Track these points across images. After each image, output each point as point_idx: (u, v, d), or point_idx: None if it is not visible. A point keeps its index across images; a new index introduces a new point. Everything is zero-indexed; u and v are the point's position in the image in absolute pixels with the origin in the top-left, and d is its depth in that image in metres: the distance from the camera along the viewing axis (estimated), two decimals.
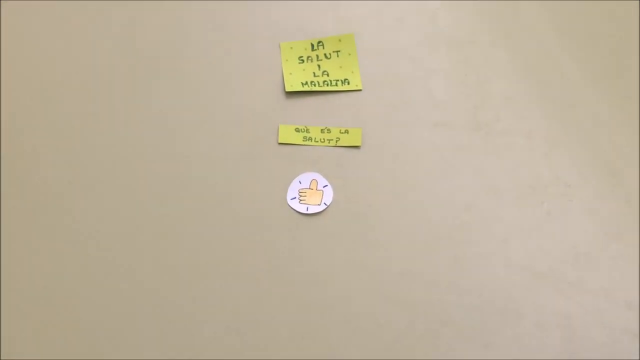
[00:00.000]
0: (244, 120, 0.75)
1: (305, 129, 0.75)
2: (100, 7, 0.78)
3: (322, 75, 0.77)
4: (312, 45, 0.78)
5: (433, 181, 0.74)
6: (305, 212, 0.72)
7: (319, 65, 0.77)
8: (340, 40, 0.78)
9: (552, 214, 0.73)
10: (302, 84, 0.76)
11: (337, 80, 0.76)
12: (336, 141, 0.74)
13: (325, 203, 0.72)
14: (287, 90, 0.76)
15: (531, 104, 0.77)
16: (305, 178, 0.73)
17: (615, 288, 0.70)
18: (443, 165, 0.74)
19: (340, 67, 0.77)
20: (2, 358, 0.67)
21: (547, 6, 0.81)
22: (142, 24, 0.78)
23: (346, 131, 0.75)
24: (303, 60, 0.77)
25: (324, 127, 0.75)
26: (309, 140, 0.74)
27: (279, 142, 0.74)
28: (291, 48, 0.78)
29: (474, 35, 0.79)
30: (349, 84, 0.76)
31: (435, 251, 0.71)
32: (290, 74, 0.76)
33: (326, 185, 0.73)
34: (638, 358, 0.68)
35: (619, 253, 0.71)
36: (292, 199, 0.72)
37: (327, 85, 0.76)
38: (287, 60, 0.77)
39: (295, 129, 0.75)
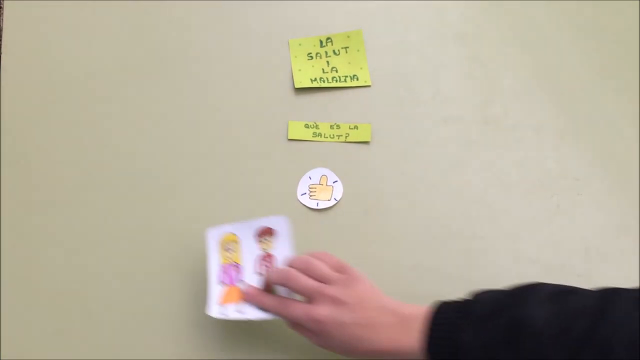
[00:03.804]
0: (253, 117, 0.75)
1: (315, 125, 0.75)
2: (113, 5, 0.79)
3: (331, 72, 0.77)
4: (321, 42, 0.78)
5: (442, 176, 0.74)
6: (315, 207, 0.72)
7: (327, 62, 0.77)
8: (348, 37, 0.78)
9: (561, 208, 0.73)
10: (311, 80, 0.76)
11: (346, 76, 0.77)
12: (345, 137, 0.75)
13: (335, 198, 0.72)
14: (296, 86, 0.76)
15: (540, 99, 0.77)
16: (315, 174, 0.73)
17: (625, 281, 0.70)
18: (452, 159, 0.75)
19: (349, 63, 0.77)
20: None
21: (555, 2, 0.81)
22: (154, 22, 0.78)
23: (355, 127, 0.75)
24: (312, 57, 0.77)
25: (333, 123, 0.75)
26: (318, 136, 0.75)
27: (289, 138, 0.75)
28: (300, 45, 0.78)
29: (482, 30, 0.80)
30: (357, 79, 0.77)
31: (445, 245, 0.72)
32: (300, 70, 0.77)
33: (336, 181, 0.73)
34: None
35: (628, 246, 0.71)
36: (302, 195, 0.73)
37: (336, 81, 0.77)
38: (296, 56, 0.77)
39: (304, 125, 0.75)
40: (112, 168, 0.73)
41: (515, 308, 0.53)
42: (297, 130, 0.75)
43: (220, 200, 0.72)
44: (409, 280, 0.71)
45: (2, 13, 0.79)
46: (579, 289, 0.55)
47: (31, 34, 0.78)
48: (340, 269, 0.63)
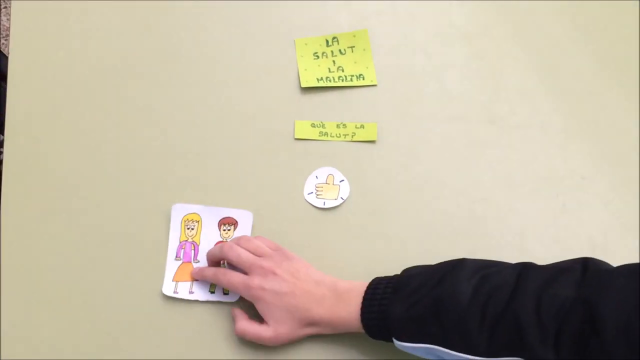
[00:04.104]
0: (260, 116, 0.76)
1: (321, 124, 0.75)
2: (120, 4, 0.79)
3: (337, 71, 0.77)
4: (327, 41, 0.78)
5: (448, 174, 0.74)
6: (322, 206, 0.72)
7: (333, 61, 0.78)
8: (354, 36, 0.78)
9: (567, 206, 0.73)
10: (318, 79, 0.77)
11: (352, 76, 0.77)
12: (352, 136, 0.75)
13: (342, 197, 0.73)
14: (302, 86, 0.76)
15: (545, 97, 0.77)
16: (322, 173, 0.74)
17: None
18: (458, 158, 0.75)
19: (355, 62, 0.78)
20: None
21: (560, 1, 0.81)
22: (161, 22, 0.79)
23: (362, 126, 0.75)
24: (318, 56, 0.78)
25: (339, 122, 0.75)
26: (324, 135, 0.75)
27: (295, 137, 0.75)
28: (306, 44, 0.78)
29: (487, 29, 0.80)
30: (363, 79, 0.77)
31: (451, 244, 0.72)
32: (306, 69, 0.77)
33: (342, 180, 0.73)
34: None
35: (634, 244, 0.72)
36: (309, 194, 0.73)
37: (342, 80, 0.77)
38: (302, 56, 0.78)
39: (311, 125, 0.75)
40: (119, 167, 0.74)
41: (441, 284, 0.58)
42: (304, 129, 0.75)
43: (227, 200, 0.72)
44: None
45: (9, 12, 0.79)
46: (500, 264, 0.60)
47: (38, 33, 0.78)
48: (276, 249, 0.68)
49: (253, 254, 0.66)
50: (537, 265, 0.58)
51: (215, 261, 0.69)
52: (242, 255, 0.65)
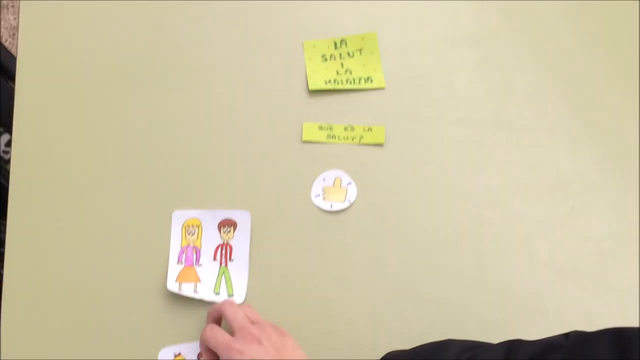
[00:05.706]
0: (267, 119, 0.76)
1: (329, 126, 0.75)
2: (128, 4, 0.79)
3: (345, 74, 0.77)
4: (335, 44, 0.78)
5: (456, 178, 0.74)
6: (329, 209, 0.72)
7: (342, 64, 0.77)
8: (363, 39, 0.78)
9: (575, 211, 0.73)
10: (326, 82, 0.76)
11: (360, 79, 0.77)
12: (360, 139, 0.75)
13: (349, 200, 0.73)
14: (310, 88, 0.76)
15: (554, 102, 0.77)
16: (329, 175, 0.74)
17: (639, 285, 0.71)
18: (466, 162, 0.75)
19: (363, 65, 0.77)
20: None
21: (568, 4, 0.81)
22: (168, 23, 0.79)
23: (369, 129, 0.75)
24: (326, 59, 0.77)
25: (347, 125, 0.75)
26: (332, 138, 0.75)
27: (303, 140, 0.75)
28: (314, 46, 0.78)
29: (496, 32, 0.80)
30: (372, 82, 0.77)
31: (459, 248, 0.72)
32: (314, 72, 0.77)
33: (350, 183, 0.73)
34: None
35: None
36: (316, 196, 0.73)
37: (350, 83, 0.77)
38: (310, 58, 0.77)
39: (319, 127, 0.75)
40: (126, 168, 0.74)
41: None
42: (312, 131, 0.75)
43: (233, 202, 0.73)
44: (422, 283, 0.71)
45: (17, 11, 0.79)
46: (485, 344, 0.59)
47: (47, 32, 0.78)
48: (272, 326, 0.66)
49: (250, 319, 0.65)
50: (524, 342, 0.56)
51: (216, 316, 0.67)
52: (238, 315, 0.64)
